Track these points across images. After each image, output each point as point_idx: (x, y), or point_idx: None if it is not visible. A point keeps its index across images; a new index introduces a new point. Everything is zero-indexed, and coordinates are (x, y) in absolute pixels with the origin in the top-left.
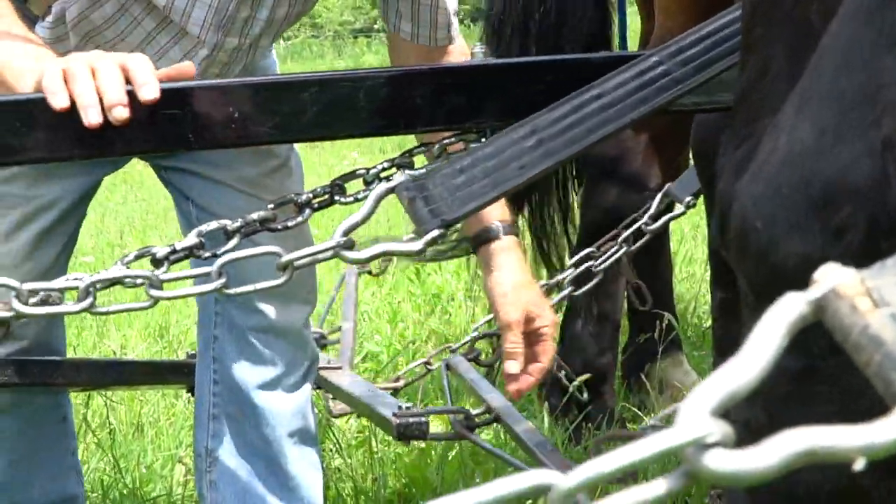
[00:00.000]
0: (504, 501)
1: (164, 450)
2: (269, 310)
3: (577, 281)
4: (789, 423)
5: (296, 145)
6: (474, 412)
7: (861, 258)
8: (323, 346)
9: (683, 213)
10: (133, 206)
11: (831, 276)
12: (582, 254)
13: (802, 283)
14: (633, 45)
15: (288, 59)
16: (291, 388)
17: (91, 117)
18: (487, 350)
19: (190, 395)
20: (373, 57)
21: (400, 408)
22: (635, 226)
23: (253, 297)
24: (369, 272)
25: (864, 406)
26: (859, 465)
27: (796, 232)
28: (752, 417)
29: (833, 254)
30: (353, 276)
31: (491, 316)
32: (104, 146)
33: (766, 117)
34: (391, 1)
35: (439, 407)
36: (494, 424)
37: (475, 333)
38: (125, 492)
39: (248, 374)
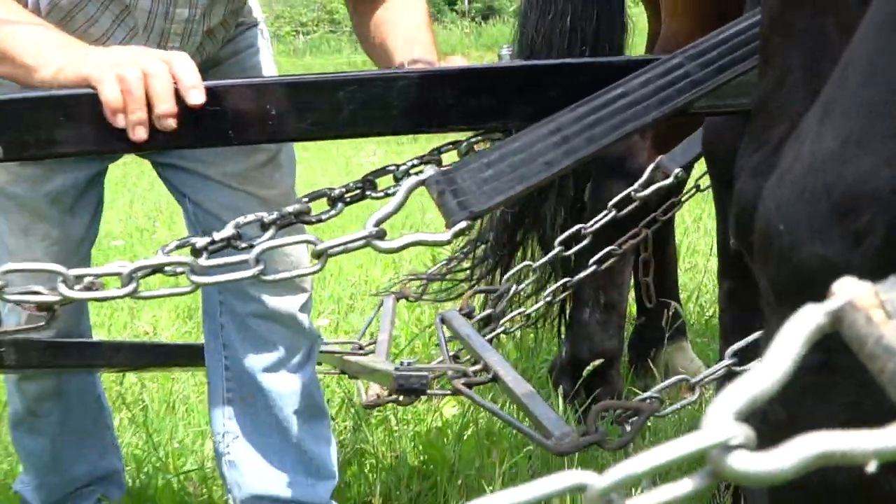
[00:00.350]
0: (541, 501)
1: (196, 426)
2: (265, 297)
3: (566, 243)
4: (807, 414)
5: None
6: (472, 369)
7: (879, 263)
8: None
9: (672, 184)
10: (161, 190)
11: (848, 289)
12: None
13: (822, 284)
14: (640, 41)
15: (307, 54)
16: (295, 370)
17: (139, 135)
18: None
19: None
20: None
21: (402, 363)
22: (625, 191)
23: (248, 286)
24: (406, 297)
25: (876, 397)
26: (872, 467)
27: (817, 236)
28: (770, 410)
29: (852, 258)
30: (391, 300)
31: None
32: (148, 140)
33: (783, 124)
34: None
35: (440, 364)
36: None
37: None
38: (158, 465)
39: (253, 358)
